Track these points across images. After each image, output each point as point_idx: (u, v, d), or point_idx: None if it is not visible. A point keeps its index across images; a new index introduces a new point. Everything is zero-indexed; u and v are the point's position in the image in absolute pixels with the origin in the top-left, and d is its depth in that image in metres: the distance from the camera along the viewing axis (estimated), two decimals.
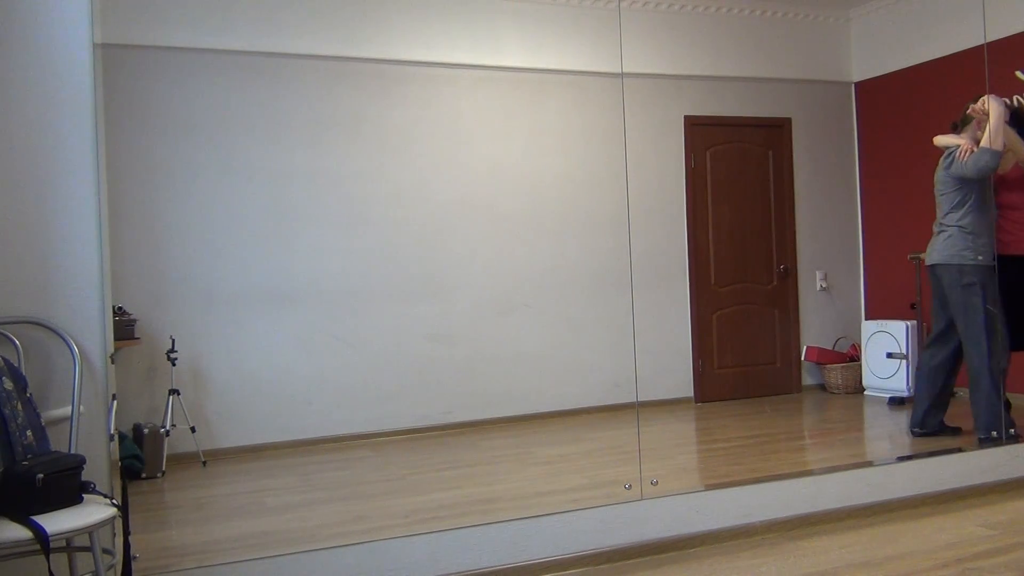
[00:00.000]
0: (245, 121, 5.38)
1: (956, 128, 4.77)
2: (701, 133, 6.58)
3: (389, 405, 5.57)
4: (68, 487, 2.43)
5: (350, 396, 5.50)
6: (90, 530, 2.39)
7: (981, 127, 4.48)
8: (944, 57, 6.18)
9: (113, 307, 4.34)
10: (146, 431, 4.69)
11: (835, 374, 6.60)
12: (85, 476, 2.52)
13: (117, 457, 3.01)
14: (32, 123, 2.81)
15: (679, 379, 6.45)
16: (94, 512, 2.41)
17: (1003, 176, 4.75)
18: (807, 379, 6.84)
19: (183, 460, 4.92)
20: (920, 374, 4.90)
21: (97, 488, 2.55)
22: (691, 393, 6.47)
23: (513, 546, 3.16)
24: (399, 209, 5.72)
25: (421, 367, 5.70)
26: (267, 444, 5.23)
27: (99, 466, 2.77)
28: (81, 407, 2.73)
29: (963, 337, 4.56)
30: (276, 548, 3.29)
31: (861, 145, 7.03)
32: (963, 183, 4.53)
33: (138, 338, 4.90)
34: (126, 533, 2.68)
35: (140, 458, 4.64)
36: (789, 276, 6.82)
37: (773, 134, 6.82)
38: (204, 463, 4.93)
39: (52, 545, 2.28)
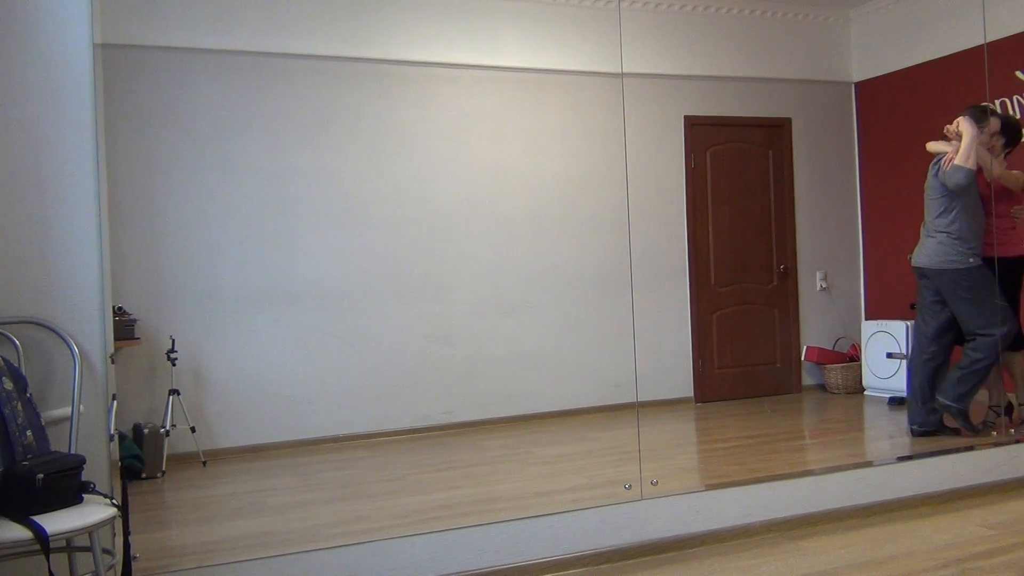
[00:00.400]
0: (245, 121, 5.38)
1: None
2: (701, 133, 6.58)
3: (389, 405, 5.58)
4: (68, 487, 2.44)
5: (350, 396, 5.50)
6: (90, 530, 2.39)
7: (953, 148, 4.65)
8: (944, 57, 6.18)
9: (113, 307, 4.34)
10: (146, 431, 4.69)
11: (835, 374, 6.60)
12: (85, 476, 2.52)
13: (117, 457, 3.02)
14: (32, 123, 2.81)
15: (679, 379, 6.45)
16: (94, 512, 2.41)
17: (996, 184, 4.80)
18: (807, 379, 6.84)
19: (183, 460, 4.92)
20: (916, 372, 4.91)
21: (97, 488, 2.55)
22: (691, 393, 6.47)
23: (513, 546, 3.16)
24: (399, 209, 5.72)
25: (421, 367, 5.70)
26: (267, 444, 5.23)
27: (99, 466, 2.77)
28: (81, 407, 2.73)
29: (975, 327, 4.63)
30: (276, 548, 3.29)
31: (861, 145, 7.03)
32: (949, 190, 4.64)
33: (138, 338, 4.90)
34: (126, 533, 2.68)
35: (140, 458, 4.64)
36: (789, 276, 6.82)
37: (773, 134, 6.82)
38: (204, 463, 4.93)
39: (52, 545, 2.28)
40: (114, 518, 2.48)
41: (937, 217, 4.70)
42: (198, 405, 5.11)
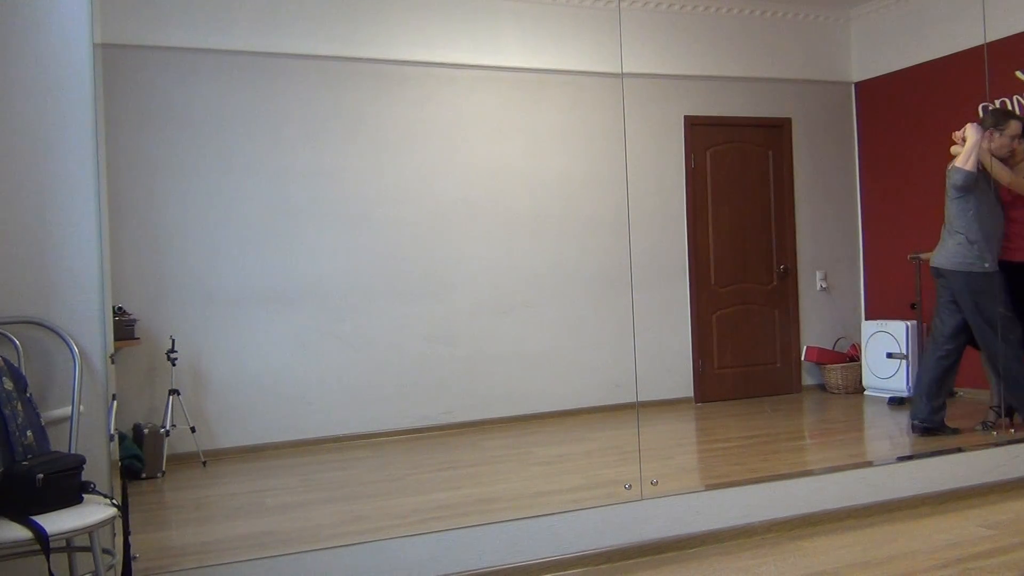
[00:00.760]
0: (245, 121, 5.38)
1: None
2: (701, 133, 6.58)
3: (389, 405, 5.58)
4: (68, 487, 2.43)
5: (350, 396, 5.50)
6: (90, 530, 2.39)
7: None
8: (944, 57, 6.18)
9: (113, 307, 4.35)
10: (146, 431, 4.69)
11: (835, 374, 6.60)
12: (85, 476, 2.52)
13: (117, 457, 3.02)
14: (32, 123, 2.81)
15: (679, 379, 6.45)
16: (94, 512, 2.41)
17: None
18: (807, 379, 6.84)
19: (183, 460, 4.92)
20: (927, 369, 4.93)
21: (97, 488, 2.55)
22: (691, 393, 6.47)
23: (513, 546, 3.16)
24: (399, 209, 5.72)
25: (421, 367, 5.70)
26: (267, 444, 5.23)
27: (99, 466, 2.77)
28: (81, 407, 2.73)
29: (979, 339, 4.72)
30: (276, 548, 3.28)
31: (861, 145, 7.03)
32: (964, 192, 4.68)
33: (138, 338, 4.90)
34: (126, 533, 2.68)
35: (140, 458, 4.64)
36: (789, 276, 6.82)
37: (773, 134, 6.82)
38: (204, 463, 4.93)
39: (52, 545, 2.28)
40: (114, 518, 2.48)
41: (955, 218, 4.74)
42: (198, 405, 5.11)
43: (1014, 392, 4.68)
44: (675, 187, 6.52)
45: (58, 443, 2.67)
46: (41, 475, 2.34)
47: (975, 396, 5.40)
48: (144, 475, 4.63)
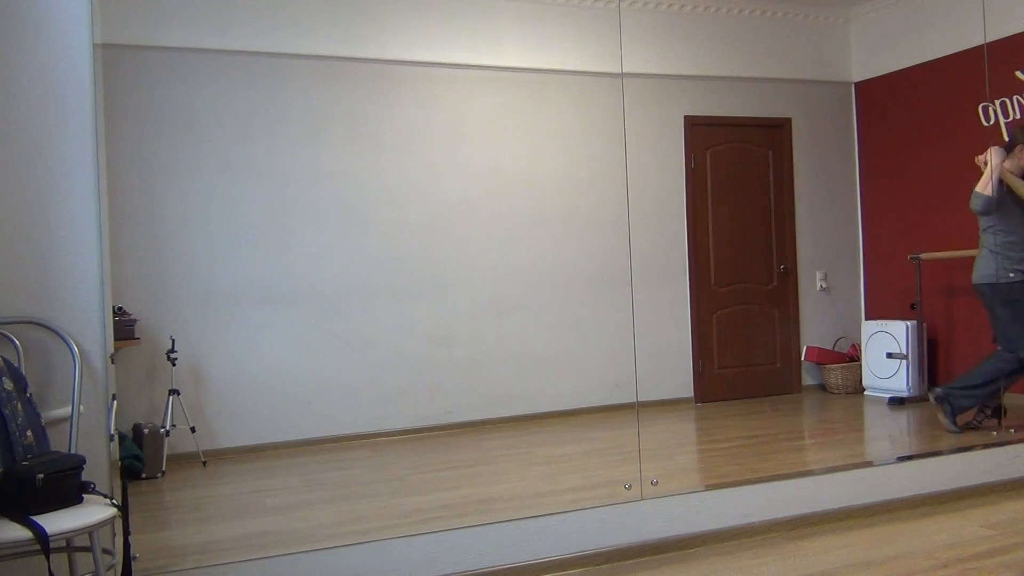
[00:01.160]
0: (245, 121, 5.38)
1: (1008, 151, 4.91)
2: (701, 133, 6.58)
3: (389, 405, 5.58)
4: (68, 487, 2.43)
5: (350, 396, 5.50)
6: (90, 530, 2.39)
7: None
8: (944, 57, 6.18)
9: (113, 307, 4.35)
10: (146, 431, 4.69)
11: (835, 374, 6.60)
12: (85, 476, 2.52)
13: (117, 457, 3.02)
14: (32, 123, 2.81)
15: (679, 379, 6.45)
16: (94, 512, 2.41)
17: None
18: (807, 379, 6.84)
19: (183, 460, 4.92)
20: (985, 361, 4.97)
21: (97, 488, 2.55)
22: (691, 393, 6.47)
23: (513, 546, 3.16)
24: (399, 209, 5.72)
25: (421, 367, 5.70)
26: (267, 444, 5.23)
27: (99, 466, 2.77)
28: (81, 407, 2.73)
29: (1012, 346, 4.77)
30: (276, 548, 3.29)
31: (861, 145, 7.03)
32: (985, 215, 4.82)
33: (138, 338, 4.90)
34: (126, 533, 2.68)
35: (140, 458, 4.64)
36: (789, 276, 6.82)
37: (773, 134, 6.82)
38: (204, 463, 4.93)
39: (52, 545, 2.28)
40: (114, 518, 2.48)
41: (983, 233, 4.88)
42: (198, 405, 5.12)
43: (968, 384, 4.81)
44: (675, 187, 6.52)
45: (58, 443, 2.67)
46: (41, 475, 2.34)
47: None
48: (144, 475, 4.63)
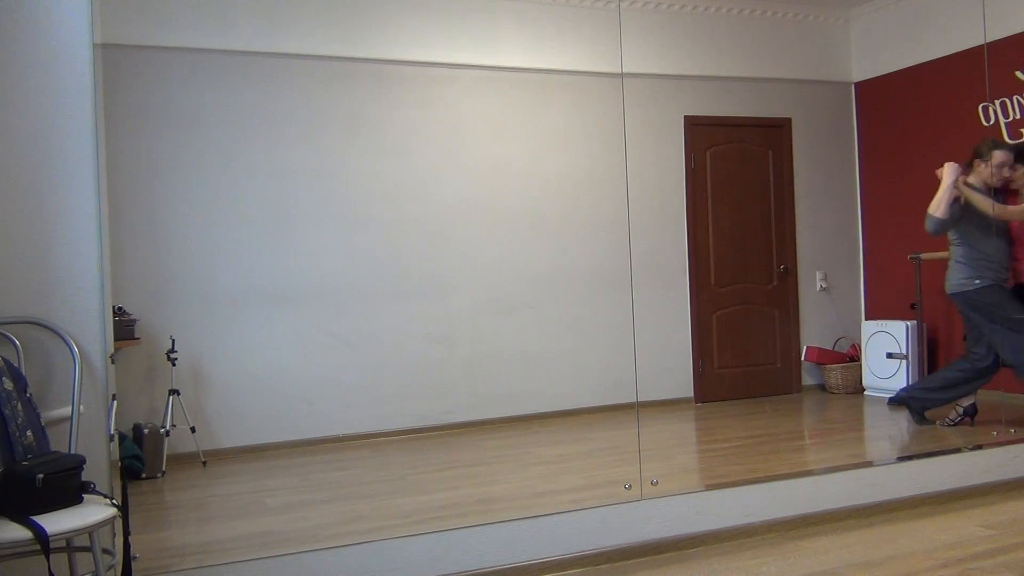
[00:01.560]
0: (245, 121, 5.38)
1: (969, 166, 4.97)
2: (701, 133, 6.58)
3: (389, 405, 5.58)
4: (68, 487, 2.43)
5: (350, 396, 5.50)
6: (90, 530, 2.39)
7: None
8: (944, 57, 6.19)
9: (113, 307, 4.35)
10: (146, 431, 4.69)
11: (835, 374, 6.60)
12: (85, 476, 2.52)
13: (117, 457, 3.02)
14: (32, 123, 2.81)
15: (679, 379, 6.45)
16: (94, 512, 2.41)
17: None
18: (807, 379, 6.84)
19: (183, 460, 4.92)
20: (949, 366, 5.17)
21: (97, 488, 2.55)
22: (691, 393, 6.47)
23: (513, 546, 3.16)
24: (399, 209, 5.72)
25: (421, 367, 5.70)
26: (267, 444, 5.23)
27: (99, 466, 2.77)
28: (81, 407, 2.73)
29: (997, 345, 4.83)
30: (276, 548, 3.29)
31: (861, 145, 7.03)
32: (938, 235, 4.94)
33: (138, 338, 4.90)
34: (126, 533, 2.68)
35: (140, 458, 4.64)
36: (789, 276, 6.82)
37: (773, 134, 6.82)
38: (204, 463, 4.93)
39: (52, 545, 2.28)
40: (114, 518, 2.48)
41: (950, 245, 4.97)
42: (198, 405, 5.12)
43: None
44: (675, 187, 6.51)
45: (58, 443, 2.67)
46: (41, 475, 2.34)
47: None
48: (144, 475, 4.63)
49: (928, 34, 6.33)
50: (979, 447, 4.31)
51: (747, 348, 6.66)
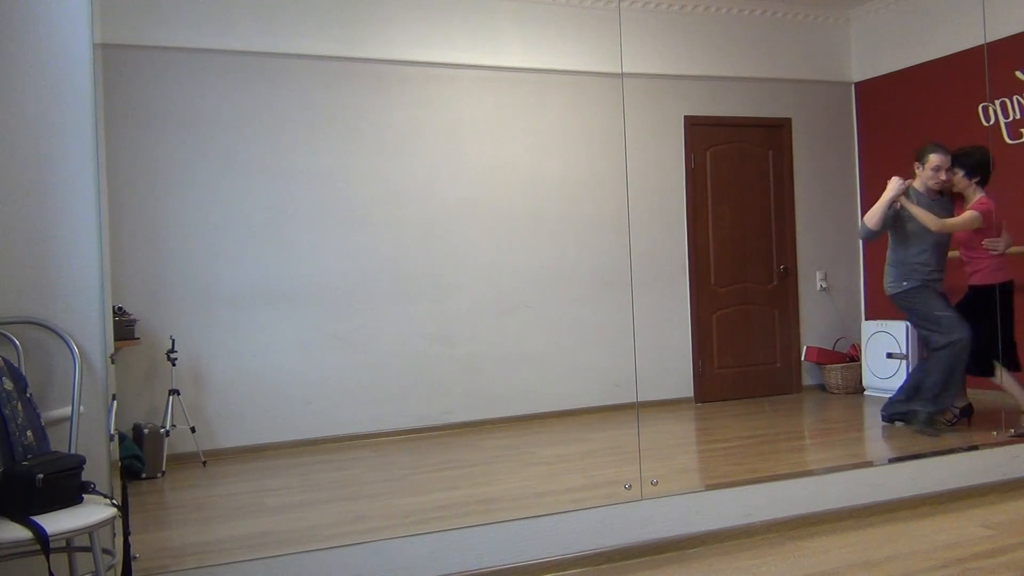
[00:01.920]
0: (245, 121, 5.38)
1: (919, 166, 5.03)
2: (701, 133, 6.58)
3: (389, 405, 5.58)
4: (68, 487, 2.44)
5: (350, 396, 5.50)
6: (90, 530, 2.39)
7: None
8: (944, 57, 6.18)
9: (113, 307, 4.35)
10: (146, 431, 4.69)
11: (835, 374, 6.60)
12: (85, 476, 2.52)
13: (117, 457, 3.02)
14: (32, 123, 2.81)
15: (679, 379, 6.45)
16: (94, 512, 2.41)
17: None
18: (807, 379, 6.84)
19: (183, 460, 4.92)
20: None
21: (97, 488, 2.55)
22: (691, 393, 6.47)
23: (513, 546, 3.16)
24: (399, 209, 5.72)
25: (421, 367, 5.70)
26: (267, 444, 5.23)
27: (99, 466, 2.78)
28: (81, 407, 2.73)
29: (927, 342, 4.97)
30: (276, 548, 3.28)
31: (861, 145, 7.03)
32: (870, 241, 5.16)
33: (138, 338, 4.90)
34: (126, 533, 2.68)
35: (140, 458, 4.64)
36: (789, 276, 6.82)
37: (773, 134, 6.82)
38: (204, 463, 4.93)
39: (52, 545, 2.28)
40: (114, 518, 2.48)
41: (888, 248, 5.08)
42: (198, 405, 5.11)
43: (926, 391, 4.86)
44: (675, 187, 6.52)
45: (58, 443, 2.67)
46: (41, 475, 2.34)
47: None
48: (144, 475, 4.63)
49: (928, 34, 6.33)
50: (978, 447, 4.31)
51: (747, 348, 6.66)
